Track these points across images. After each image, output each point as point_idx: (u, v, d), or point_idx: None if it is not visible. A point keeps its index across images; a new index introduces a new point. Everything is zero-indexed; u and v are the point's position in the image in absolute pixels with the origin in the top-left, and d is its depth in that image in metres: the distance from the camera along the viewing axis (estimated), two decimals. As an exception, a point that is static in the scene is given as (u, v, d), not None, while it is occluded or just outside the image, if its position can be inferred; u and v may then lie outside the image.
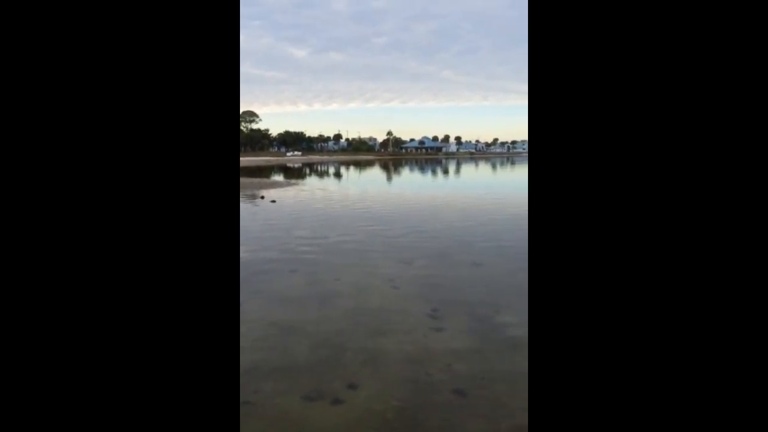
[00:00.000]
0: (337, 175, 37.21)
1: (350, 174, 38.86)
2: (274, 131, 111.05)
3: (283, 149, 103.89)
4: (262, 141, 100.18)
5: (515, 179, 32.12)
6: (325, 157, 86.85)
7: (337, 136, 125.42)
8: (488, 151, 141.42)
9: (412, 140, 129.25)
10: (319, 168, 49.14)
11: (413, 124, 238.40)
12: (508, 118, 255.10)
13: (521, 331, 4.32)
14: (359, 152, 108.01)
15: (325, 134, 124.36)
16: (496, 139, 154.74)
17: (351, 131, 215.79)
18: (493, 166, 53.39)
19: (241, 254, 7.27)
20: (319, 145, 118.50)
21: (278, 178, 31.06)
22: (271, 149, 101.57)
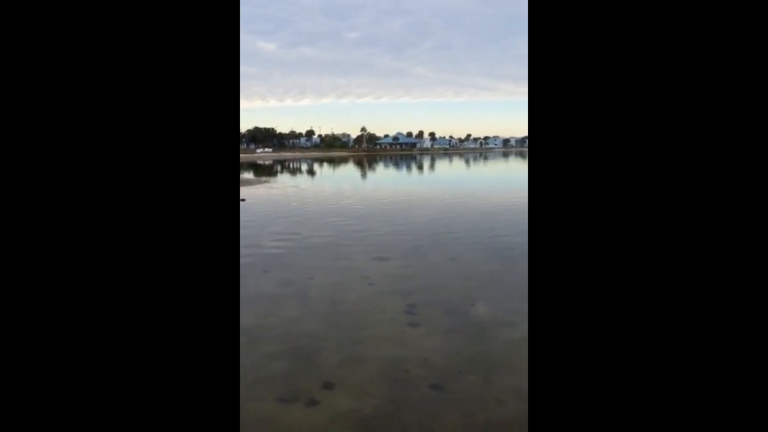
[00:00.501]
0: (310, 172, 36.86)
1: (324, 171, 38.56)
2: (243, 127, 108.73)
3: (252, 146, 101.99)
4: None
5: (486, 175, 32.64)
6: (298, 154, 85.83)
7: (310, 133, 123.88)
8: (462, 146, 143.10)
9: (386, 136, 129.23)
10: (291, 165, 48.57)
11: (387, 120, 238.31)
12: (480, 114, 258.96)
13: (495, 324, 4.38)
14: (333, 149, 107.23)
15: (297, 130, 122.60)
16: (469, 135, 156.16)
17: (324, 127, 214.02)
18: (467, 162, 54.06)
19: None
20: (291, 141, 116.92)
21: (248, 175, 30.49)
22: (240, 146, 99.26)
